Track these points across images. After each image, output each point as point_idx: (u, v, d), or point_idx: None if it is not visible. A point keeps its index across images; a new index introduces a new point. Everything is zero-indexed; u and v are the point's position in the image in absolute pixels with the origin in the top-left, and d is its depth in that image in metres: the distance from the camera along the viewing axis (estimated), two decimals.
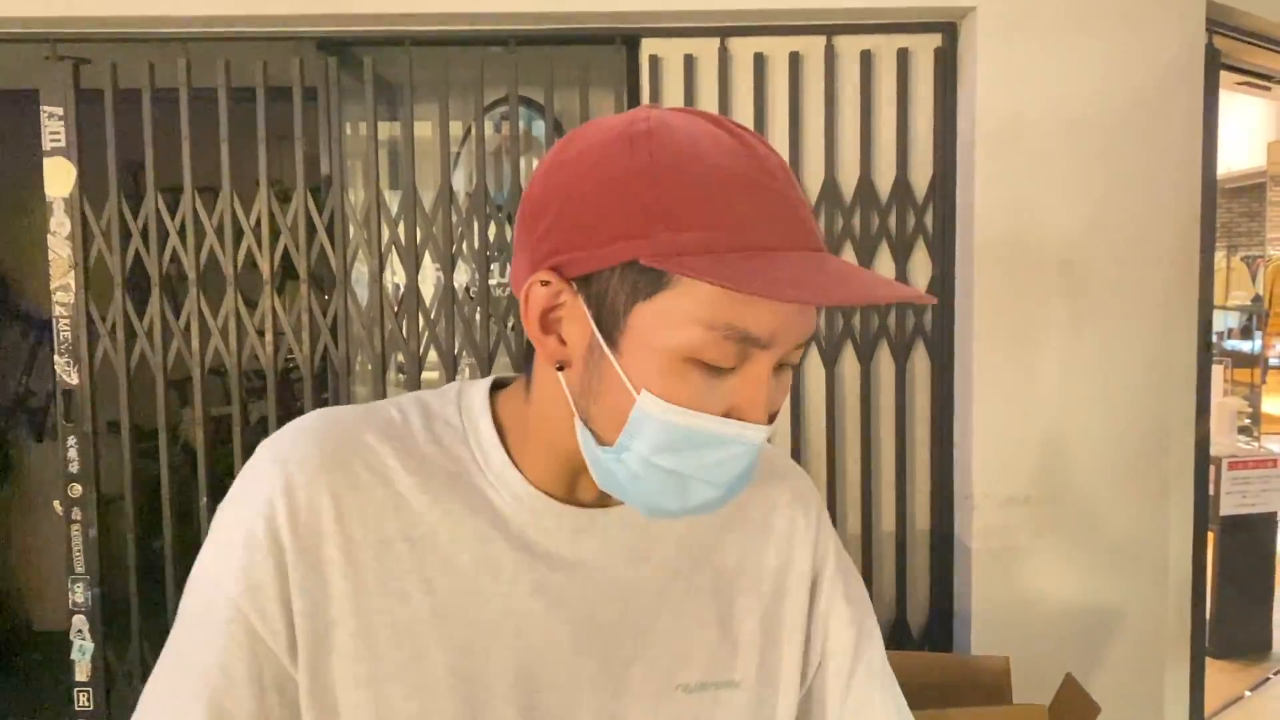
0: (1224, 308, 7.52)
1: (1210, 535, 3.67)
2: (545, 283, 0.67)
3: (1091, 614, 2.30)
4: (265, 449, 0.73)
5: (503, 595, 0.72)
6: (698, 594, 0.79)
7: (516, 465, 0.74)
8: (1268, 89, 3.39)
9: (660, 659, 0.76)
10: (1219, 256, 7.76)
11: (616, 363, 0.65)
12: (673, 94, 2.34)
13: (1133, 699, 2.34)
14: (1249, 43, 2.76)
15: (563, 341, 0.68)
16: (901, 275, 2.38)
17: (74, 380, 2.36)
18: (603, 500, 0.75)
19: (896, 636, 2.42)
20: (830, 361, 2.40)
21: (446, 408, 0.77)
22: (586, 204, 0.64)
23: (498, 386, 0.79)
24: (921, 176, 2.37)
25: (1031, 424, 2.28)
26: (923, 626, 2.44)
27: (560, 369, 0.69)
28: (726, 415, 0.65)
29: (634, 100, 2.36)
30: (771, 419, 0.68)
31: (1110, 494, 2.31)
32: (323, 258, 2.36)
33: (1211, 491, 3.58)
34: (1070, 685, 1.85)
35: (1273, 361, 5.76)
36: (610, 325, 0.65)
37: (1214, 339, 7.38)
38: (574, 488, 0.74)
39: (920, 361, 2.42)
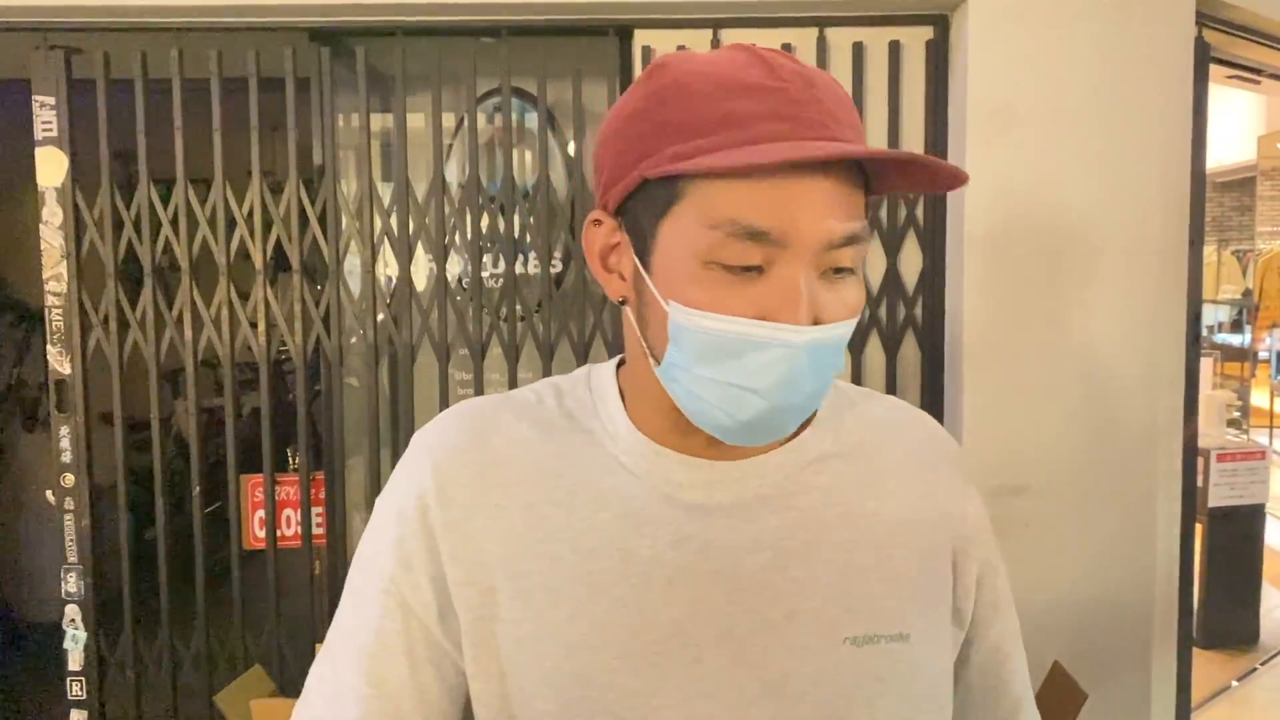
0: (1214, 301, 7.56)
1: (1199, 527, 3.70)
2: (597, 222, 0.74)
3: (1080, 604, 2.32)
4: (415, 439, 0.79)
5: (647, 549, 0.73)
6: (853, 545, 0.77)
7: (639, 428, 0.77)
8: (1258, 82, 3.40)
9: (823, 611, 0.74)
10: (1209, 250, 7.80)
11: (650, 281, 0.69)
12: None
13: (1120, 687, 2.36)
14: (1239, 36, 2.77)
15: (623, 278, 0.74)
16: (893, 267, 2.39)
17: (66, 370, 2.36)
18: (737, 452, 0.76)
19: None
20: None
21: (577, 387, 0.81)
22: (616, 142, 0.71)
23: (623, 364, 0.83)
24: None
25: (1020, 415, 2.30)
26: None
27: (623, 303, 0.75)
28: (760, 319, 0.66)
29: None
30: (824, 323, 0.67)
31: (1099, 486, 2.32)
32: (315, 248, 2.36)
33: (1200, 483, 3.61)
34: (1058, 673, 1.86)
35: (1262, 355, 5.80)
36: (643, 248, 0.70)
37: (1204, 332, 7.46)
38: (687, 436, 0.75)
39: (910, 353, 2.43)
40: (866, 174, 0.71)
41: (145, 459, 2.44)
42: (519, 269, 2.43)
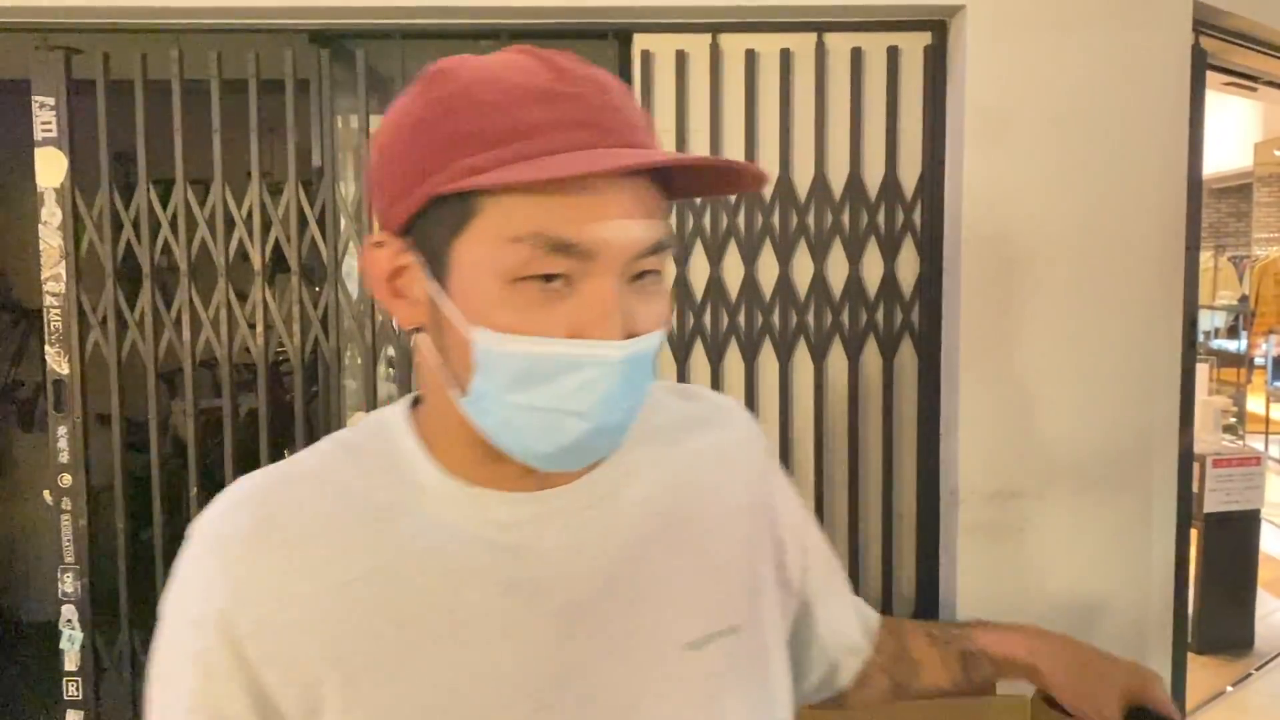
0: (1211, 307, 7.57)
1: (1195, 532, 3.71)
2: (379, 244, 0.68)
3: (1075, 608, 2.33)
4: (196, 534, 0.70)
5: (475, 603, 0.68)
6: (675, 550, 0.76)
7: (447, 470, 0.71)
8: (1254, 89, 3.42)
9: (659, 624, 0.74)
10: (1206, 256, 7.82)
11: (450, 306, 0.64)
12: (664, 88, 2.35)
13: None
14: (1235, 44, 2.79)
15: (413, 303, 0.68)
16: (890, 272, 2.40)
17: (64, 370, 2.36)
18: (555, 478, 0.72)
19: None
20: (819, 357, 2.41)
21: (369, 440, 0.74)
22: (395, 157, 0.65)
23: (418, 403, 0.77)
24: (910, 174, 2.38)
25: (1017, 420, 2.30)
26: (909, 618, 2.46)
27: (418, 332, 0.69)
28: (573, 337, 0.62)
29: None
30: (637, 335, 0.65)
31: (1094, 490, 2.33)
32: (314, 250, 2.37)
33: (1196, 489, 3.62)
34: (1040, 711, 1.86)
35: (1258, 361, 5.81)
36: (438, 270, 0.65)
37: (1200, 338, 7.47)
38: (502, 472, 0.70)
39: (907, 357, 2.44)
40: (666, 179, 0.69)
41: (143, 459, 2.45)
42: None
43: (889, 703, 0.95)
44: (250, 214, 2.34)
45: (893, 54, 2.36)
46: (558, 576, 0.70)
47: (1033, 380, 2.30)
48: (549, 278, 0.62)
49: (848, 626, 0.93)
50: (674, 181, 0.68)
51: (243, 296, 2.37)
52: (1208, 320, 7.90)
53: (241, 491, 0.71)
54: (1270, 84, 3.34)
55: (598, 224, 0.62)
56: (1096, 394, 2.32)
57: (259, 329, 2.37)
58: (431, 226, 0.64)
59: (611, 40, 2.36)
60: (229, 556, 0.68)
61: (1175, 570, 2.51)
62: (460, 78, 0.64)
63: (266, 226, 2.34)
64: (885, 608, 2.45)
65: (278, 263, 2.39)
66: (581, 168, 0.60)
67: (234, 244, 2.35)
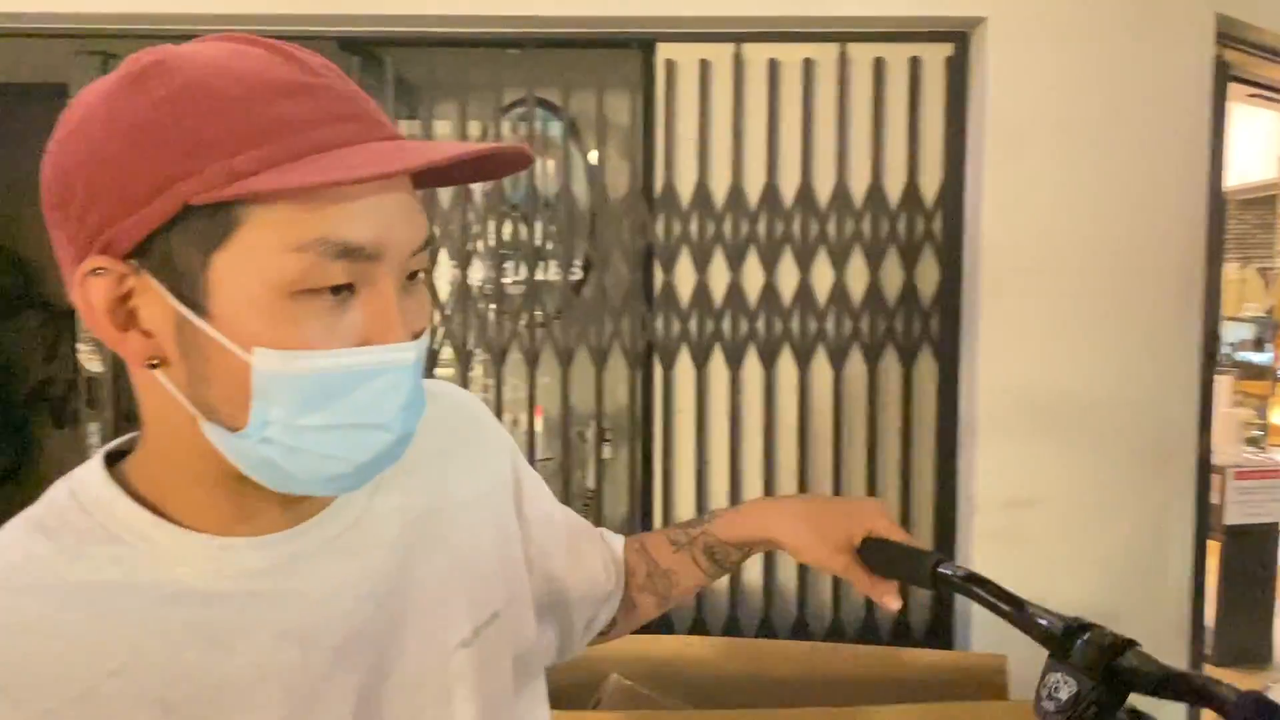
0: (1237, 319, 7.51)
1: (1216, 544, 3.70)
2: (99, 270, 0.57)
3: (1090, 617, 2.33)
4: None
5: (249, 667, 0.62)
6: (435, 550, 0.74)
7: (179, 522, 0.63)
8: (1278, 101, 3.41)
9: (432, 632, 0.72)
10: (1233, 267, 7.75)
11: (213, 330, 0.56)
12: (687, 98, 2.38)
13: None
14: (1259, 56, 2.78)
15: (147, 334, 0.59)
16: (909, 281, 2.41)
17: (97, 368, 2.41)
18: (301, 511, 0.67)
19: (899, 635, 2.45)
20: (838, 364, 2.43)
21: (67, 515, 0.62)
22: (112, 165, 0.55)
23: (113, 460, 0.67)
24: (930, 183, 2.40)
25: (1033, 429, 2.31)
26: (925, 626, 2.47)
27: (156, 366, 0.59)
28: (362, 345, 0.58)
29: (649, 103, 2.40)
30: (418, 336, 0.62)
31: (1111, 500, 2.33)
32: None
33: (1217, 500, 3.61)
34: None
35: None
36: (191, 291, 0.56)
37: (1227, 350, 7.39)
38: (253, 512, 0.64)
39: (926, 365, 2.45)
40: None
41: None
42: (539, 276, 2.47)
43: (659, 612, 1.02)
44: None
45: (915, 65, 2.38)
46: (328, 615, 0.66)
47: (1050, 390, 2.31)
48: (336, 289, 0.57)
49: (596, 582, 0.96)
50: (424, 173, 0.63)
51: None
52: (1234, 332, 7.82)
53: (14, 549, 0.60)
54: None
55: (383, 222, 0.58)
56: (1114, 404, 2.32)
57: None
58: (179, 242, 0.56)
59: (636, 49, 2.39)
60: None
61: (1191, 582, 2.51)
62: (184, 72, 0.57)
63: None
64: (903, 612, 2.46)
65: None
66: (378, 167, 0.56)
67: None
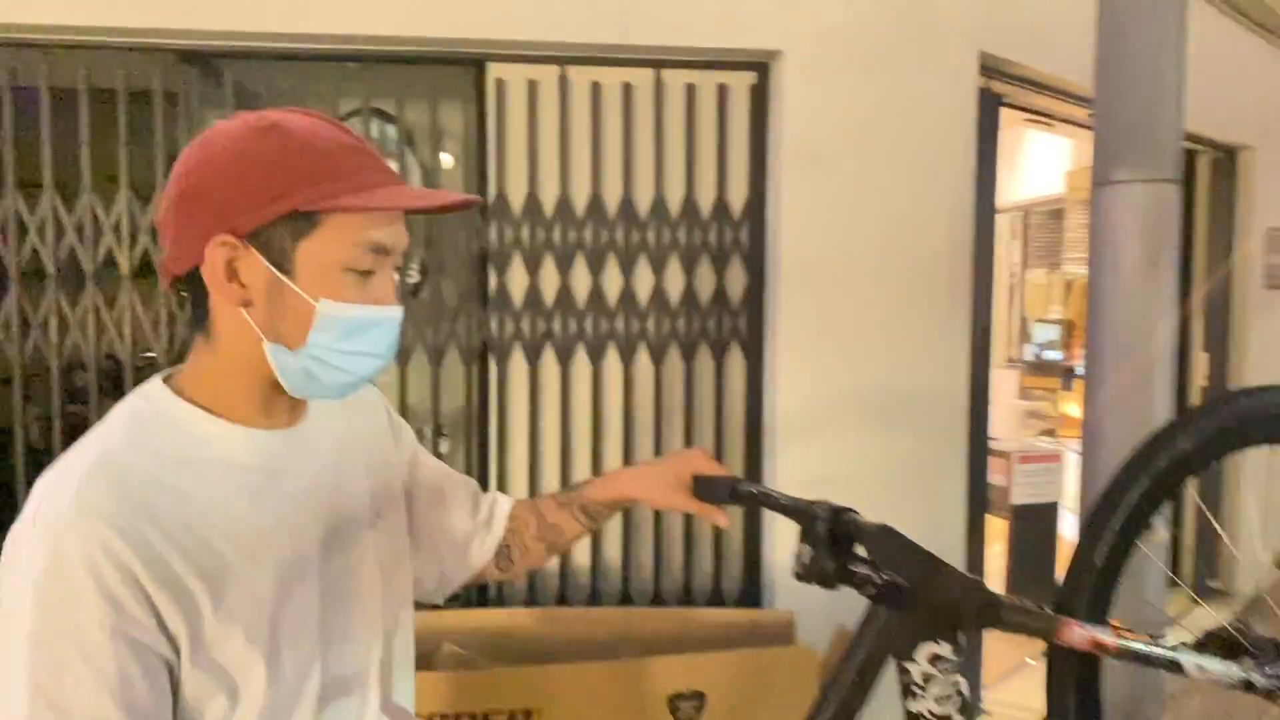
0: (1044, 321, 8.17)
1: (1005, 522, 4.11)
2: (224, 243, 0.90)
3: None
4: (58, 499, 0.86)
5: (272, 515, 0.96)
6: (354, 462, 1.10)
7: (222, 417, 0.96)
8: (1050, 125, 3.85)
9: (359, 509, 1.09)
10: (1040, 273, 8.43)
11: (296, 286, 0.92)
12: (517, 114, 2.56)
13: None
14: (1025, 87, 3.17)
15: (243, 286, 0.92)
16: (720, 285, 2.66)
17: None
18: (286, 422, 1.01)
19: (713, 600, 2.69)
20: (658, 361, 2.66)
21: (144, 415, 0.95)
22: (243, 179, 0.90)
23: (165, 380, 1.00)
24: (738, 197, 2.66)
25: (828, 415, 2.60)
26: (737, 592, 2.73)
27: (246, 306, 0.93)
28: (376, 305, 0.95)
29: (481, 117, 2.58)
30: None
31: (896, 479, 2.64)
32: None
33: (1005, 483, 4.02)
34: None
35: (1079, 370, 6.34)
36: (282, 261, 0.91)
37: (1035, 349, 7.97)
38: (271, 413, 0.99)
39: (736, 360, 2.71)
40: None
41: (4, 465, 2.51)
42: None
43: (550, 557, 1.35)
44: (119, 222, 2.45)
45: (722, 90, 2.64)
46: (307, 486, 1.02)
47: (842, 382, 2.60)
48: (366, 271, 0.94)
49: (462, 516, 1.29)
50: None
51: (110, 302, 2.47)
52: (1041, 333, 8.45)
53: (86, 463, 0.88)
54: (1066, 121, 3.78)
55: (395, 235, 0.96)
56: (897, 394, 2.63)
57: (126, 331, 2.47)
58: (280, 231, 0.91)
59: (468, 68, 2.56)
60: (105, 510, 0.85)
61: (967, 554, 2.85)
62: (292, 129, 0.93)
63: (135, 234, 2.46)
64: (716, 581, 2.71)
65: (145, 268, 2.49)
66: (414, 201, 0.98)
67: (102, 250, 2.45)
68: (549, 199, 2.60)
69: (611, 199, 2.62)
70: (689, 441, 2.68)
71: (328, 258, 0.92)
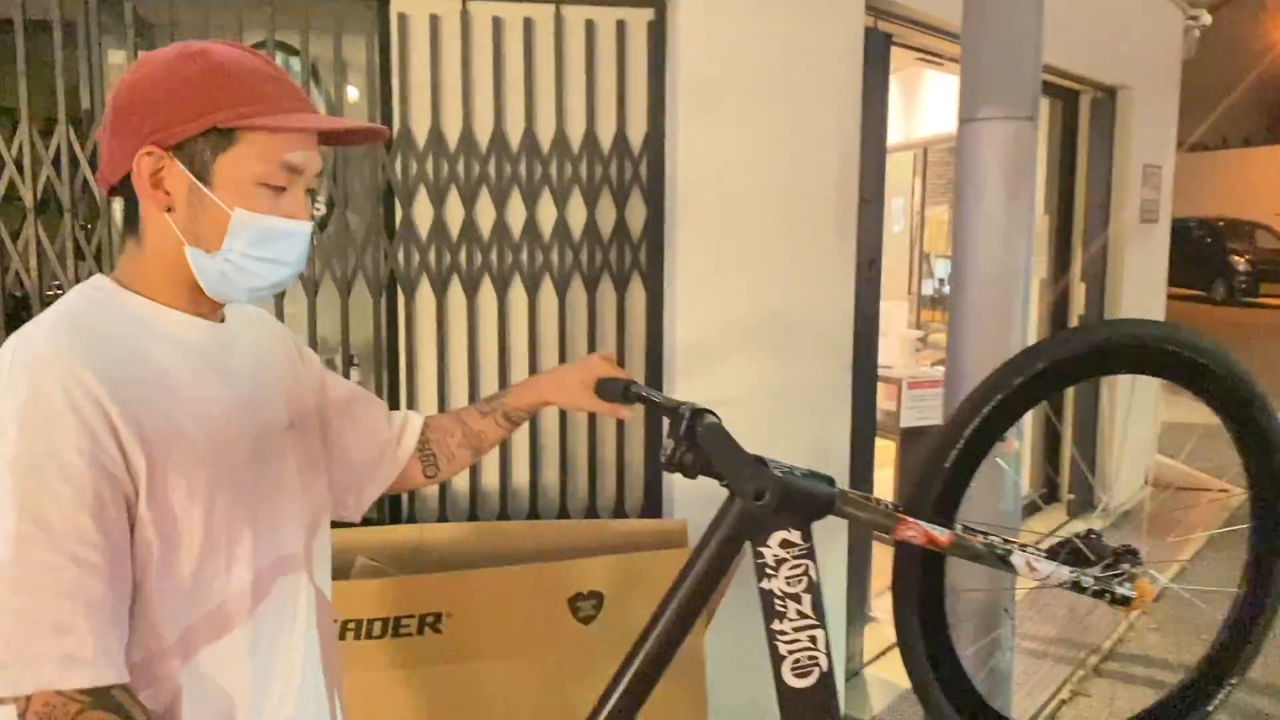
0: (944, 256, 8.47)
1: (894, 444, 4.36)
2: (150, 153, 1.02)
3: None
4: (32, 348, 0.96)
5: (204, 379, 1.08)
6: (268, 368, 1.22)
7: (161, 305, 1.07)
8: (941, 64, 4.01)
9: (276, 409, 1.19)
10: (941, 210, 8.70)
11: (214, 196, 1.04)
12: (419, 49, 2.61)
13: None
14: (914, 28, 3.32)
15: (167, 193, 1.04)
16: (621, 218, 2.78)
17: None
18: (212, 316, 1.13)
19: (616, 513, 2.85)
20: (562, 293, 2.77)
21: (96, 298, 1.06)
22: (170, 97, 1.03)
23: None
24: (637, 133, 2.76)
25: (724, 342, 2.75)
26: (639, 508, 2.89)
27: (169, 212, 1.05)
28: (287, 218, 1.07)
29: (385, 51, 2.62)
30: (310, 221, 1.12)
31: (787, 402, 2.82)
32: (87, 188, 2.50)
33: (895, 407, 4.26)
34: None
35: None
36: (202, 173, 1.04)
37: (937, 283, 8.21)
38: (197, 305, 1.11)
39: (637, 290, 2.83)
40: None
41: None
42: None
43: (474, 461, 1.52)
44: (20, 154, 2.45)
45: (621, 27, 2.72)
46: (237, 375, 1.14)
47: (736, 309, 2.75)
48: (279, 187, 1.07)
49: (375, 429, 1.41)
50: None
51: (15, 235, 2.48)
52: (943, 268, 8.75)
53: (52, 321, 1.00)
54: (954, 60, 3.94)
55: (308, 157, 1.09)
56: (788, 323, 2.80)
57: (32, 263, 2.49)
58: (202, 145, 1.03)
59: (371, 2, 2.60)
60: (77, 352, 0.96)
61: (851, 470, 3.05)
62: (218, 56, 1.05)
63: (37, 166, 2.46)
64: (619, 500, 2.86)
65: (49, 200, 2.50)
66: (326, 124, 1.11)
67: (4, 183, 2.45)
68: (452, 133, 2.67)
69: (514, 134, 2.70)
70: None
71: (244, 172, 1.03)
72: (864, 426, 3.12)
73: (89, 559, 0.92)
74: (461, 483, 2.74)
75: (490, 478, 2.79)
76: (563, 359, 2.79)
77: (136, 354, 1.02)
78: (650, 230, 2.79)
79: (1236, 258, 17.68)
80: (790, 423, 2.82)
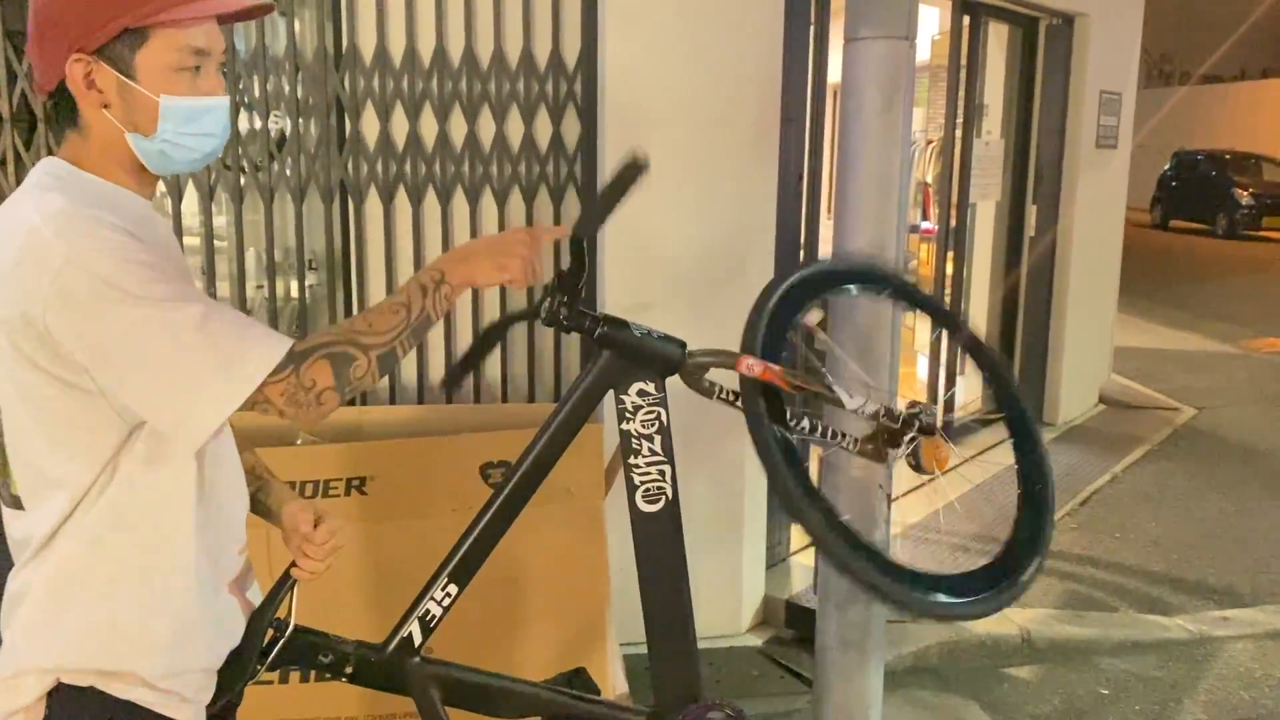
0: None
1: None
2: (78, 59, 1.17)
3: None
4: (47, 205, 1.13)
5: (162, 255, 1.20)
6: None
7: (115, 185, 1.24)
8: None
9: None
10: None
11: (141, 88, 1.19)
12: None
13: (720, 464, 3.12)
14: None
15: (100, 92, 1.19)
16: (557, 134, 2.96)
17: None
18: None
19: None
20: (501, 204, 2.97)
21: (62, 180, 1.20)
22: (85, 6, 1.17)
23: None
24: (572, 51, 2.93)
25: (649, 252, 2.95)
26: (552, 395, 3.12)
27: (105, 108, 1.20)
28: (207, 95, 1.23)
29: None
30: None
31: (706, 305, 3.02)
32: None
33: None
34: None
35: (921, 225, 6.84)
36: (127, 68, 1.19)
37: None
38: (142, 186, 1.28)
39: (572, 204, 3.02)
40: None
41: None
42: (243, 126, 2.84)
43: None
44: None
45: None
46: (161, 238, 1.28)
47: (661, 220, 2.94)
48: (195, 69, 1.22)
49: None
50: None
51: None
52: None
53: (41, 188, 1.17)
54: None
55: (213, 38, 1.24)
56: (708, 230, 3.00)
57: None
58: (120, 45, 1.17)
59: None
60: (91, 207, 1.15)
61: None
62: None
63: None
64: (556, 397, 3.09)
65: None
66: (218, 7, 1.22)
67: None
68: (397, 50, 2.84)
69: (455, 51, 2.87)
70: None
71: (160, 62, 1.19)
72: None
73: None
74: (409, 372, 2.97)
75: (436, 371, 3.01)
76: None
77: (119, 212, 1.18)
78: (584, 145, 2.97)
79: (1240, 190, 17.56)
80: (712, 329, 3.02)
